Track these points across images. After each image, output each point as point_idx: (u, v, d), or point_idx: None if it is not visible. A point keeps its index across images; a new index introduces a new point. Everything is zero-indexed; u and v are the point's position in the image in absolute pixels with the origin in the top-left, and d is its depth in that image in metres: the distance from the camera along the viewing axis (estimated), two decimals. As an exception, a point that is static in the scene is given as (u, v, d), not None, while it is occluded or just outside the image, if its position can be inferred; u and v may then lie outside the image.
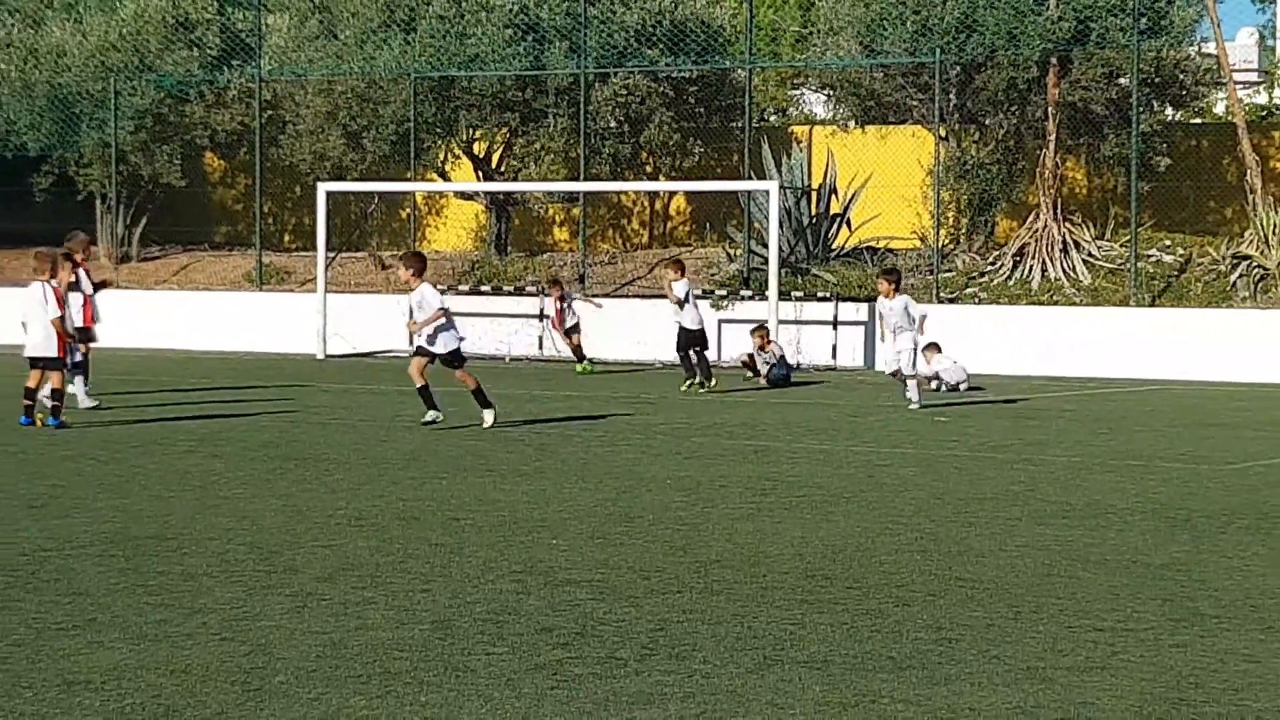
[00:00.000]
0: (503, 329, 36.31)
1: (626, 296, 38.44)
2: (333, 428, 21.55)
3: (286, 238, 47.78)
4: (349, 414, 23.42)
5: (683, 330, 28.78)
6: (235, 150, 46.85)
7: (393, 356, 36.86)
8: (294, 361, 35.20)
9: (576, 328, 34.04)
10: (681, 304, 28.63)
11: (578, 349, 33.78)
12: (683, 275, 29.25)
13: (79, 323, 24.49)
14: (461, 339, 21.69)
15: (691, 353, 28.78)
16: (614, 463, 18.05)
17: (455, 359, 21.24)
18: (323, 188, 38.24)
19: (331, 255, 39.53)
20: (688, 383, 28.50)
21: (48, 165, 45.61)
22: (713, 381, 28.50)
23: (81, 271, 24.43)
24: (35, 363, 21.10)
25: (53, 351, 21.14)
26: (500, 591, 10.81)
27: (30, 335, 21.08)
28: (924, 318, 25.16)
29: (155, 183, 45.06)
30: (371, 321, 37.98)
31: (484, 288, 38.58)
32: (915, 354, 25.06)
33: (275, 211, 48.01)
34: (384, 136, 41.81)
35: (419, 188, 43.15)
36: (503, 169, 43.55)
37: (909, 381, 24.93)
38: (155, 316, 40.24)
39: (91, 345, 24.28)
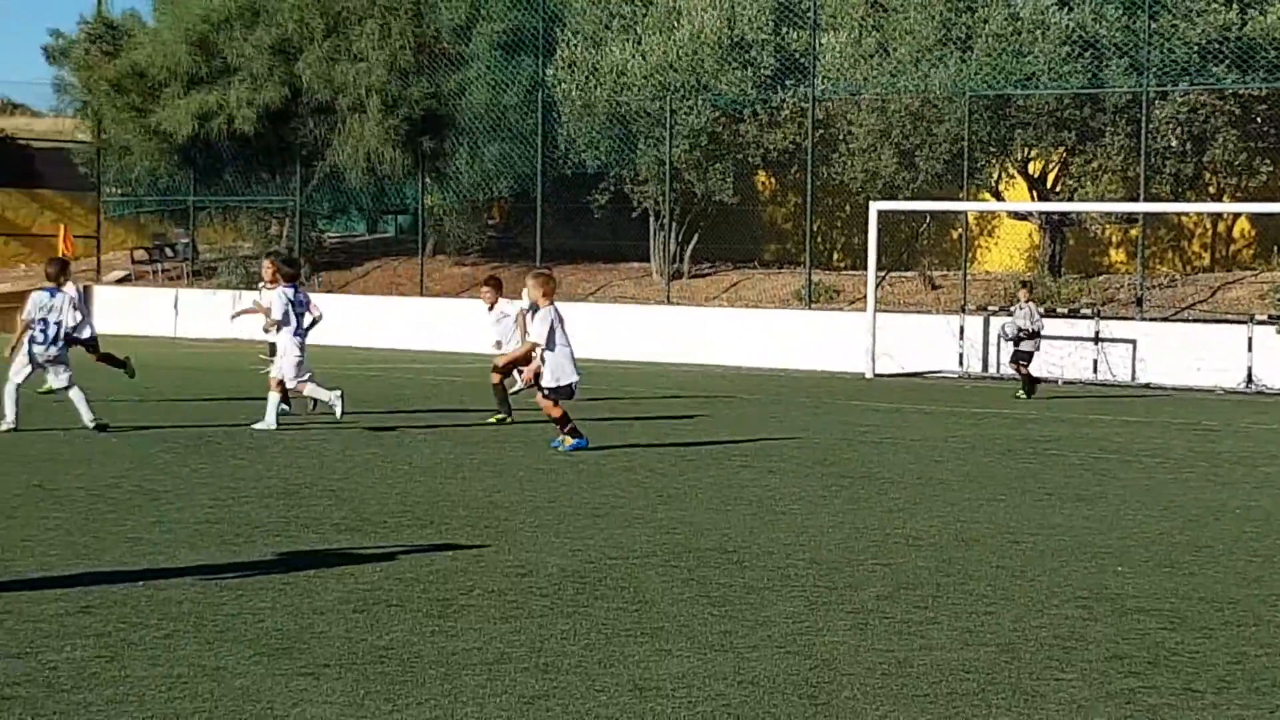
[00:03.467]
0: (1057, 352, 35.55)
1: (1186, 321, 37.32)
2: (885, 447, 21.44)
3: (836, 256, 47.99)
4: (901, 433, 23.27)
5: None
6: (786, 169, 47.30)
7: (941, 376, 36.59)
8: (842, 380, 35.26)
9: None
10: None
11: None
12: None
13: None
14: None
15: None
16: (1178, 490, 17.47)
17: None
18: (875, 206, 38.19)
19: (881, 274, 39.50)
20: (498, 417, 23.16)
21: (605, 182, 46.77)
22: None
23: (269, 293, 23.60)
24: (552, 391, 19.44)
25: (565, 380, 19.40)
26: (1066, 617, 10.52)
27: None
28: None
29: (708, 200, 45.78)
30: (921, 342, 37.77)
31: (1037, 310, 37.96)
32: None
33: (825, 230, 48.29)
34: (937, 155, 41.62)
35: (972, 207, 42.83)
36: (1058, 188, 42.87)
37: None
38: (706, 333, 40.86)
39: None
